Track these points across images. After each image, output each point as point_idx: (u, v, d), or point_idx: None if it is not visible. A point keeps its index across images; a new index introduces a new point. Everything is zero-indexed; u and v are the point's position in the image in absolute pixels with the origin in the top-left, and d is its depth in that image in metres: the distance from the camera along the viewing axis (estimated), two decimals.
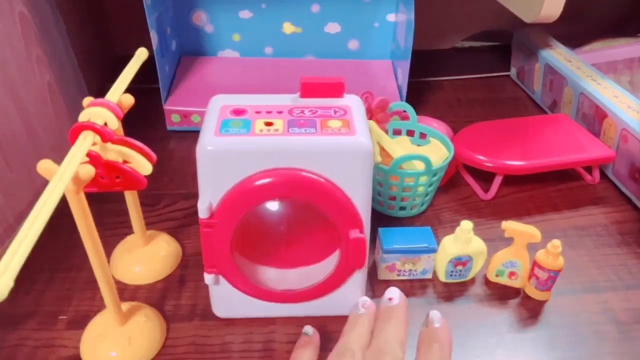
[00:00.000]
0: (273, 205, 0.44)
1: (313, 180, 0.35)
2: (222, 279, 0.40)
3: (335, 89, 0.39)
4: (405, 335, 0.35)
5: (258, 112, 0.37)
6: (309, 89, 0.39)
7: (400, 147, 0.52)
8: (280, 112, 0.37)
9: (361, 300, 0.37)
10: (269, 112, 0.37)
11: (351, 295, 0.40)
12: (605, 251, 0.49)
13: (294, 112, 0.37)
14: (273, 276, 0.42)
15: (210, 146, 0.34)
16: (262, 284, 0.40)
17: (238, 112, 0.37)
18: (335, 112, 0.38)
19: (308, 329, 0.38)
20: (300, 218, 0.44)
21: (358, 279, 0.40)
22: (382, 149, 0.51)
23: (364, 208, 0.37)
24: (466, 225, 0.43)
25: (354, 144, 0.35)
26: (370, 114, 0.51)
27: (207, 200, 0.36)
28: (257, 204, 0.36)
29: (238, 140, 0.35)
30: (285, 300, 0.41)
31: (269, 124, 0.36)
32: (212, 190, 0.36)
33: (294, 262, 0.43)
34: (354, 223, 0.37)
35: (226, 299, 0.41)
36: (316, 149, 0.35)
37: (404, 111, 0.55)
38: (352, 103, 0.39)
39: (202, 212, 0.36)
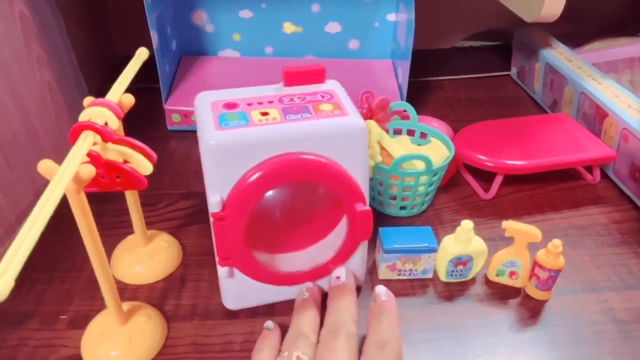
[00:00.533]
0: (272, 197, 0.45)
1: (319, 162, 0.37)
2: (235, 271, 0.40)
3: (316, 75, 0.41)
4: (356, 310, 0.38)
5: (250, 104, 0.38)
6: (292, 78, 0.40)
7: (400, 146, 0.52)
8: (270, 102, 0.39)
9: (304, 285, 0.40)
10: (260, 103, 0.38)
11: (356, 268, 0.43)
12: (606, 251, 0.49)
13: (284, 101, 0.39)
14: (280, 261, 0.43)
15: (214, 141, 0.35)
16: (276, 269, 0.41)
17: (230, 105, 0.38)
18: (322, 96, 0.39)
19: (269, 323, 0.39)
20: (298, 204, 0.45)
21: (361, 251, 0.42)
22: (383, 149, 0.51)
23: (363, 183, 0.39)
24: (467, 224, 0.43)
25: (351, 124, 0.37)
26: (371, 113, 0.52)
27: (218, 194, 0.36)
28: (267, 191, 0.37)
29: (241, 132, 0.35)
30: (297, 282, 0.42)
31: (265, 113, 0.37)
32: (221, 184, 0.36)
33: (295, 246, 0.44)
34: (358, 197, 0.39)
35: (238, 291, 0.42)
36: (318, 132, 0.37)
37: (405, 111, 0.55)
38: (334, 87, 0.41)
39: (214, 206, 0.36)
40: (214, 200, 0.36)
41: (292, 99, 0.39)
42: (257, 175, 0.36)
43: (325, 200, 0.43)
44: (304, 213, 0.45)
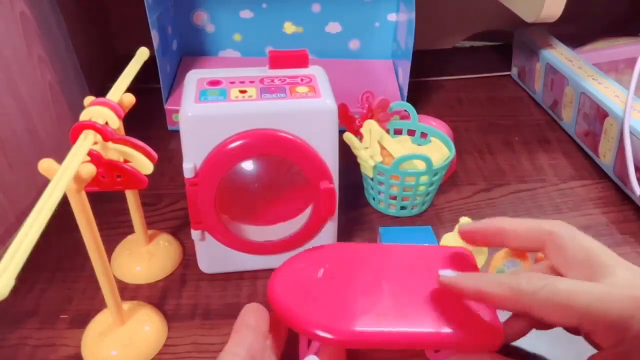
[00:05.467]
0: (251, 170, 0.47)
1: (286, 139, 0.39)
2: (207, 235, 0.43)
3: (300, 60, 0.43)
4: None
5: (232, 82, 0.41)
6: (277, 61, 0.43)
7: (401, 146, 0.52)
8: (252, 82, 0.41)
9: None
10: (242, 82, 0.41)
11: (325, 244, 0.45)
12: None
13: (265, 81, 0.41)
14: (253, 231, 0.45)
15: (191, 112, 0.38)
16: (244, 237, 0.44)
17: (214, 83, 0.41)
18: (302, 80, 0.42)
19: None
20: (275, 180, 0.47)
21: (330, 228, 0.45)
22: (383, 149, 0.51)
23: (331, 162, 0.41)
24: (465, 222, 0.43)
25: (320, 105, 0.39)
26: (371, 113, 0.52)
27: (191, 161, 0.39)
28: (237, 162, 0.40)
29: (216, 106, 0.38)
30: (266, 252, 0.44)
31: (243, 91, 0.40)
32: (195, 152, 0.39)
33: (272, 220, 0.46)
34: (323, 175, 0.41)
35: (211, 255, 0.45)
36: (287, 111, 0.39)
37: (405, 110, 0.55)
38: (317, 72, 0.43)
39: (187, 172, 0.40)
40: (188, 167, 0.39)
41: (272, 80, 0.42)
42: (228, 146, 0.39)
43: (303, 180, 0.44)
44: (283, 191, 0.47)
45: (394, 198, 0.51)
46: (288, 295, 0.35)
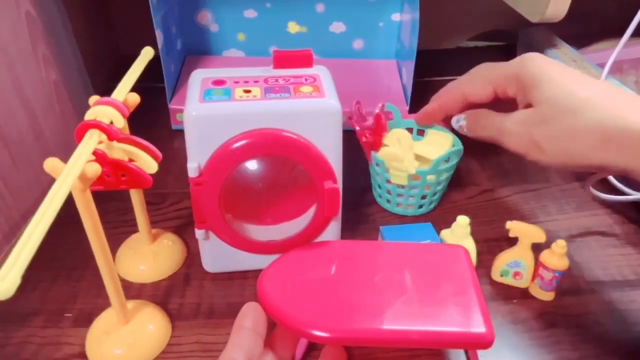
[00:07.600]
0: (255, 170, 0.47)
1: (290, 138, 0.39)
2: (211, 235, 0.43)
3: (304, 60, 0.43)
4: None
5: (236, 82, 0.41)
6: (281, 61, 0.43)
7: (407, 145, 0.51)
8: (256, 82, 0.41)
9: None
10: (246, 82, 0.41)
11: None
12: (610, 251, 0.49)
13: (269, 81, 0.42)
14: (257, 231, 0.45)
15: (195, 112, 0.38)
16: (248, 237, 0.43)
17: (218, 82, 0.41)
18: (306, 79, 0.42)
19: None
20: (279, 180, 0.48)
21: (334, 228, 0.45)
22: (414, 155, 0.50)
23: (335, 162, 0.41)
24: (462, 220, 0.44)
25: (325, 105, 0.39)
26: (382, 127, 0.51)
27: (196, 161, 0.40)
28: (241, 161, 0.40)
29: (220, 106, 0.39)
30: (269, 251, 0.44)
31: (247, 91, 0.40)
32: (200, 152, 0.40)
33: (276, 219, 0.46)
34: (327, 175, 0.41)
35: (215, 254, 0.45)
36: (291, 110, 0.39)
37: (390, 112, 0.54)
38: (321, 72, 0.43)
39: (192, 172, 0.40)
40: (192, 167, 0.40)
41: (276, 80, 0.42)
42: (232, 146, 0.39)
43: (306, 180, 0.44)
44: (287, 190, 0.47)
45: (411, 197, 0.51)
46: (279, 295, 0.36)
